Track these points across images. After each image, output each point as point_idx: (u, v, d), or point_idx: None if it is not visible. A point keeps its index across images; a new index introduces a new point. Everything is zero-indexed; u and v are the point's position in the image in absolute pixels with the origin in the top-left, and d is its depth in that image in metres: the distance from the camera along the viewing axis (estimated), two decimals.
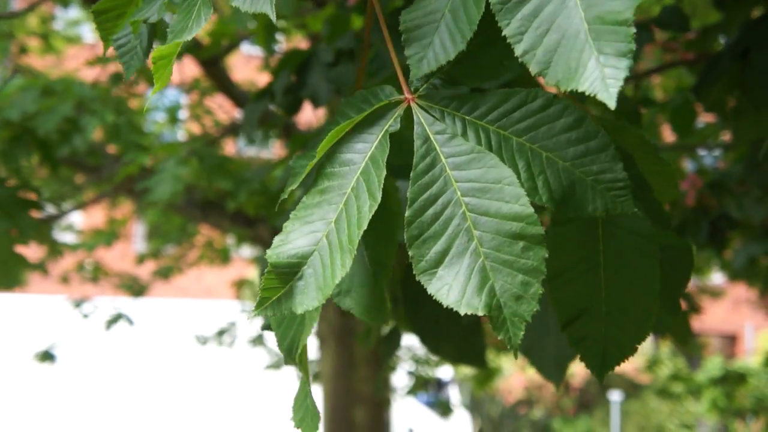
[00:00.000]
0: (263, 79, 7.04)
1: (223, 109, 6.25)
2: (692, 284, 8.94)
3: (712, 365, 11.84)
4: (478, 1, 0.89)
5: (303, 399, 1.01)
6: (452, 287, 0.85)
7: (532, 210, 0.84)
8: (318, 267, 0.88)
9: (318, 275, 0.88)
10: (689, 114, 2.57)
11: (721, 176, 3.54)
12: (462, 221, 0.87)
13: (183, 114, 6.54)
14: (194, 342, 8.30)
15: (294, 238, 0.90)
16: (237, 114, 6.47)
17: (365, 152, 0.94)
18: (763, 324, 15.18)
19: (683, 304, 2.55)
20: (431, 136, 0.91)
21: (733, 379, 11.56)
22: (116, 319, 5.41)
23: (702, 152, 4.86)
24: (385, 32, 1.03)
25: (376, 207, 0.88)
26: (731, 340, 18.63)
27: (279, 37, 4.93)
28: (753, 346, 17.15)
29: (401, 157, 0.98)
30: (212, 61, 4.94)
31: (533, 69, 0.81)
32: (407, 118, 0.95)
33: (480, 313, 0.83)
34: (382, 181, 0.90)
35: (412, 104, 0.95)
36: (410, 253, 0.87)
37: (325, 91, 2.14)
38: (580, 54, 0.79)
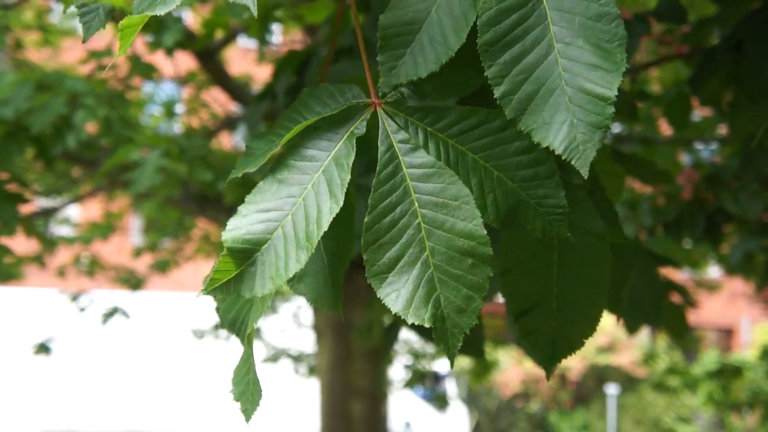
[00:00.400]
0: (260, 72, 7.04)
1: (219, 103, 6.24)
2: (689, 278, 8.95)
3: (709, 359, 11.86)
4: (458, 29, 0.91)
5: (245, 373, 1.01)
6: (400, 294, 0.88)
7: (484, 231, 0.88)
8: (272, 256, 0.90)
9: (271, 264, 0.89)
10: (685, 107, 2.57)
11: (718, 170, 3.54)
12: (416, 231, 0.90)
13: (180, 108, 6.52)
14: (191, 335, 8.30)
15: (248, 223, 0.91)
16: (233, 107, 6.47)
17: (329, 150, 0.95)
18: (759, 318, 15.21)
19: (679, 298, 2.55)
20: (395, 144, 0.94)
21: (729, 373, 11.58)
22: (112, 313, 5.40)
23: (699, 146, 4.87)
24: (358, 31, 1.05)
25: (337, 209, 0.90)
26: (728, 334, 18.66)
27: (276, 29, 4.91)
28: (749, 339, 17.18)
29: (365, 153, 0.99)
30: (208, 54, 4.93)
31: (509, 113, 0.84)
32: (372, 121, 0.97)
33: (426, 324, 0.87)
34: (346, 184, 0.91)
35: (378, 109, 0.97)
36: (365, 257, 0.90)
37: None
38: (555, 112, 0.82)
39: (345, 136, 0.96)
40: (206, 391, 11.79)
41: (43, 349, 5.67)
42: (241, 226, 0.91)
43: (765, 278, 4.47)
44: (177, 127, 6.44)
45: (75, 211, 11.68)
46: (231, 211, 5.30)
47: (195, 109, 6.23)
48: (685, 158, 5.16)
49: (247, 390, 1.00)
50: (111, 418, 11.44)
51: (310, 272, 1.03)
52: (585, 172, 0.80)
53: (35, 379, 11.32)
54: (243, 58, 8.41)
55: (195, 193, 5.58)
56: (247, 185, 4.26)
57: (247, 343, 1.02)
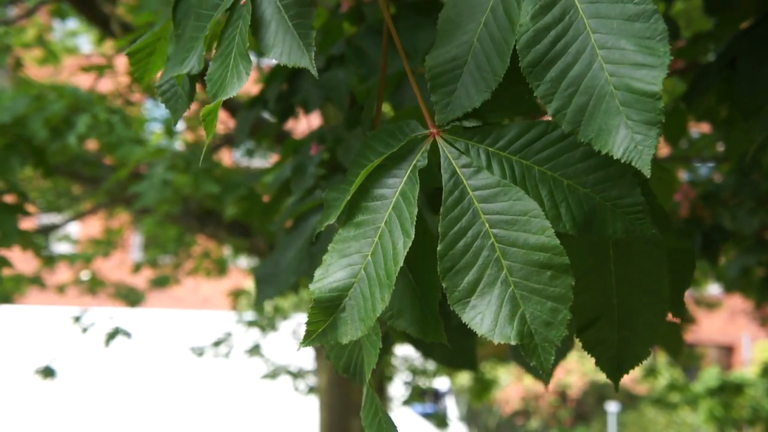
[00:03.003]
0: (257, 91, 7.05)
1: (219, 120, 6.26)
2: (688, 295, 8.94)
3: (709, 376, 11.84)
4: (502, 54, 0.92)
5: (374, 414, 1.04)
6: (485, 316, 0.88)
7: (557, 241, 0.87)
8: (359, 299, 0.92)
9: (360, 307, 0.92)
10: (680, 123, 2.58)
11: (715, 187, 3.55)
12: (491, 252, 0.90)
13: (180, 125, 6.54)
14: (190, 353, 8.29)
15: (333, 271, 0.94)
16: (233, 125, 6.49)
17: (396, 187, 0.97)
18: (759, 335, 15.18)
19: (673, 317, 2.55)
20: (458, 170, 0.95)
21: (730, 390, 11.56)
22: (114, 334, 5.41)
23: (696, 163, 4.88)
24: (403, 58, 1.07)
25: (410, 243, 0.91)
26: (728, 351, 18.62)
27: None
28: (749, 356, 17.14)
29: (430, 183, 1.02)
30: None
31: (566, 128, 0.85)
32: (433, 151, 0.98)
33: (513, 342, 0.86)
34: (414, 218, 0.93)
35: (438, 138, 0.98)
36: (444, 285, 0.90)
37: (315, 97, 2.16)
38: (609, 118, 0.82)
39: (409, 170, 0.97)
40: (206, 407, 11.75)
41: (48, 373, 5.68)
42: (327, 275, 0.94)
43: (763, 294, 4.48)
44: (178, 144, 6.46)
45: (75, 228, 11.69)
46: (232, 227, 5.30)
47: (195, 127, 6.25)
48: (683, 175, 5.18)
49: (381, 429, 1.02)
50: None
51: (406, 308, 1.03)
52: (647, 171, 0.79)
53: (34, 395, 11.28)
54: None
55: (195, 210, 5.59)
56: (252, 199, 4.27)
57: (368, 386, 1.04)
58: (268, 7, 1.00)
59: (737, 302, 10.19)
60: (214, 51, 1.07)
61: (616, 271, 1.05)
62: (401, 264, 0.91)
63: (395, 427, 1.02)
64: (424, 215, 1.00)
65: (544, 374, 0.87)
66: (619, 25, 0.83)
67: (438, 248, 0.91)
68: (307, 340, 0.93)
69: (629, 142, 0.81)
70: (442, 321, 1.02)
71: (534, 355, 0.87)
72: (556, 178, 0.92)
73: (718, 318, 13.71)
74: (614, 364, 1.07)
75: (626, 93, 0.81)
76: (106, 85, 5.47)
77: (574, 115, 0.84)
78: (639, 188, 0.91)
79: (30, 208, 3.00)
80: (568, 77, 0.85)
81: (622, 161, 0.81)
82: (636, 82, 0.81)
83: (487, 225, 0.91)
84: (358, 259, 0.94)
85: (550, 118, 0.90)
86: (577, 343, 1.09)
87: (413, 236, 0.91)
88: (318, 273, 0.94)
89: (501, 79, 0.92)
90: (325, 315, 0.93)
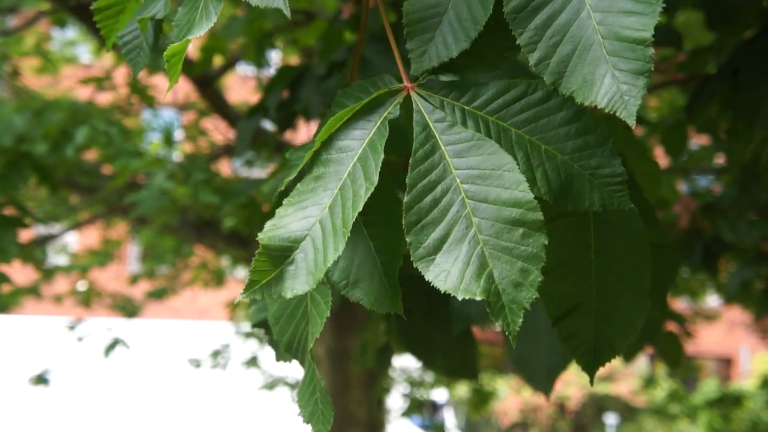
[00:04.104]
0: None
1: (219, 130, 6.26)
2: (687, 307, 8.93)
3: (708, 388, 11.82)
4: (485, 1, 0.89)
5: (311, 393, 0.98)
6: (450, 273, 0.83)
7: (531, 196, 0.83)
8: (310, 251, 0.87)
9: (309, 260, 0.87)
10: (681, 134, 2.57)
11: (715, 199, 3.55)
12: (461, 208, 0.86)
13: (178, 135, 6.54)
14: (188, 364, 8.26)
15: (287, 223, 0.89)
16: (232, 135, 6.48)
17: (363, 138, 0.93)
18: (758, 347, 15.16)
19: (676, 328, 2.55)
20: (431, 124, 0.91)
21: (729, 402, 11.53)
22: (114, 345, 5.39)
23: (695, 175, 4.88)
24: (384, 19, 1.04)
25: (372, 189, 0.87)
26: (727, 363, 18.59)
27: (272, 53, 4.92)
28: (748, 368, 17.12)
29: (402, 147, 0.97)
30: (206, 81, 4.94)
31: (547, 79, 0.82)
32: (407, 106, 0.94)
33: (478, 298, 0.82)
34: (380, 164, 0.89)
35: (412, 93, 0.95)
36: (408, 240, 0.86)
37: (317, 104, 2.15)
38: (595, 68, 0.79)
39: (379, 122, 0.93)
40: (203, 418, 11.71)
41: (41, 380, 5.66)
42: (279, 225, 0.88)
43: (762, 306, 4.47)
44: (176, 155, 6.45)
45: (73, 238, 11.66)
46: (230, 237, 5.28)
47: (194, 137, 6.24)
48: (682, 187, 5.17)
49: (317, 410, 0.96)
50: None
51: (364, 276, 0.97)
52: (632, 122, 0.76)
53: (31, 405, 11.24)
54: (242, 86, 8.42)
55: (193, 221, 5.57)
56: (252, 208, 4.26)
57: (310, 361, 0.99)
58: None
59: (736, 314, 10.17)
60: None
61: (596, 260, 1.03)
62: (360, 209, 0.86)
63: (332, 409, 0.96)
64: (390, 183, 0.96)
65: (510, 337, 0.82)
66: None
67: (404, 200, 0.87)
68: (248, 290, 0.86)
69: (615, 91, 0.78)
70: (400, 291, 0.96)
71: (500, 316, 0.82)
72: (534, 142, 0.89)
73: (717, 330, 13.69)
74: (590, 356, 1.04)
75: (614, 41, 0.79)
76: (104, 96, 5.46)
77: (557, 65, 0.81)
78: (620, 159, 0.88)
79: (28, 220, 2.98)
80: (554, 25, 0.82)
81: (606, 110, 0.78)
82: (625, 29, 0.78)
83: (458, 180, 0.87)
84: (314, 211, 0.88)
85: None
86: None
87: (376, 182, 0.87)
88: (269, 224, 0.89)
89: (481, 29, 0.89)
90: (272, 266, 0.87)
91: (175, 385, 12.23)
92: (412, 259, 0.86)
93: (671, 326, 2.44)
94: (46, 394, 10.54)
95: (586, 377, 1.06)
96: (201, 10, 0.94)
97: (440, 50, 0.92)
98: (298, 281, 0.86)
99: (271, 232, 0.88)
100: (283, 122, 2.29)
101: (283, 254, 0.87)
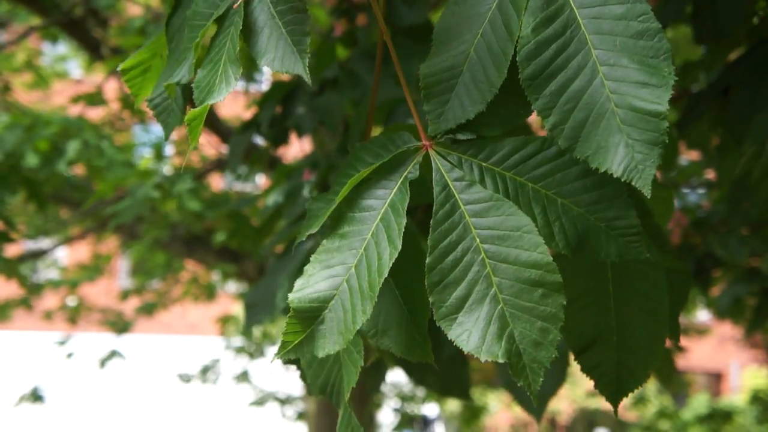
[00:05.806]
0: (250, 115, 7.05)
1: (210, 145, 6.26)
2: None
3: (698, 403, 11.82)
4: (499, 65, 0.90)
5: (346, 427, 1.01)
6: (472, 333, 0.86)
7: (550, 258, 0.85)
8: (339, 311, 0.89)
9: (339, 320, 0.89)
10: (671, 150, 2.58)
11: (706, 215, 3.55)
12: (481, 268, 0.87)
13: (169, 149, 6.53)
14: (178, 379, 8.23)
15: (314, 282, 0.91)
16: (223, 150, 6.48)
17: (385, 198, 0.95)
18: (748, 362, 15.18)
19: (667, 343, 2.55)
20: (450, 183, 0.93)
21: (719, 417, 11.54)
22: (110, 356, 5.38)
23: (686, 190, 4.89)
24: (402, 81, 1.05)
25: (396, 254, 0.89)
26: (717, 378, 18.60)
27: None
28: (739, 384, 17.13)
29: (422, 198, 0.99)
30: None
31: (562, 144, 0.83)
32: (426, 164, 0.96)
33: (500, 360, 0.84)
34: (402, 228, 0.91)
35: (430, 151, 0.96)
36: (431, 299, 0.88)
37: (309, 121, 2.15)
38: (608, 136, 0.81)
39: (399, 182, 0.95)
40: None
41: (36, 397, 5.63)
42: (308, 285, 0.91)
43: (754, 323, 4.47)
44: (166, 169, 6.45)
45: (63, 253, 11.62)
46: (220, 252, 5.27)
47: (185, 151, 6.23)
48: (674, 203, 5.19)
49: None
50: None
51: (392, 325, 1.00)
52: (647, 191, 0.78)
53: (21, 421, 11.17)
54: (233, 101, 8.43)
55: (183, 235, 5.57)
56: (237, 219, 4.25)
57: (346, 406, 1.01)
58: (261, 14, 0.97)
59: (726, 329, 10.19)
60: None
61: (614, 292, 1.04)
62: (386, 275, 0.88)
63: None
64: (414, 234, 0.98)
65: (533, 397, 0.84)
66: (622, 42, 0.82)
67: (427, 261, 0.89)
68: (282, 352, 0.90)
69: (630, 160, 0.79)
70: (430, 341, 0.99)
71: (522, 376, 0.84)
72: (550, 196, 0.90)
73: (707, 345, 13.70)
74: (614, 387, 1.05)
75: (628, 111, 0.80)
76: (95, 111, 5.46)
77: (571, 131, 0.83)
78: (634, 210, 0.89)
79: (15, 235, 2.96)
80: (568, 92, 0.83)
81: (622, 180, 0.80)
82: (639, 101, 0.80)
83: (477, 240, 0.88)
84: (341, 271, 0.91)
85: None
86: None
87: (400, 247, 0.89)
88: (298, 283, 0.91)
89: (497, 91, 0.90)
90: (303, 326, 0.90)
91: (166, 401, 12.17)
92: (435, 317, 0.88)
93: None
94: (36, 410, 10.49)
95: (576, 392, 1.07)
96: (221, 74, 0.96)
97: (457, 112, 0.93)
98: (329, 341, 0.89)
99: (301, 292, 0.91)
100: (275, 138, 2.30)
101: (313, 315, 0.90)
